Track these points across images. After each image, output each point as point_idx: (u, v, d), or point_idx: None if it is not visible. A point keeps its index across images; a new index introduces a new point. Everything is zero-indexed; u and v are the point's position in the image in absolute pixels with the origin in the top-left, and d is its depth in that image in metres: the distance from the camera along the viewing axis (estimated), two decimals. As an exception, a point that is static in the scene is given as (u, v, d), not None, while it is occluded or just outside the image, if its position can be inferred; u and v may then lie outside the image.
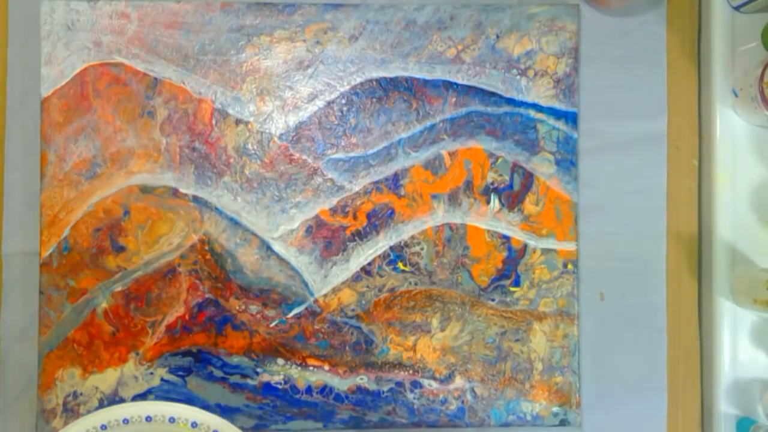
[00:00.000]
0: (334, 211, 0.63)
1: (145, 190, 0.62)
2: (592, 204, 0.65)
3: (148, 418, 0.51)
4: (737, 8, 0.63)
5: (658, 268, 0.65)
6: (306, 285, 0.63)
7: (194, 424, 0.51)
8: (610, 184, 0.65)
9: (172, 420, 0.51)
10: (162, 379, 0.62)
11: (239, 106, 0.63)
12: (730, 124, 0.64)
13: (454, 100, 0.64)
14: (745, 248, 0.63)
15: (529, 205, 0.64)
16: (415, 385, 0.63)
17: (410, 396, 0.63)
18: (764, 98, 0.58)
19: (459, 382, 0.63)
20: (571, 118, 0.64)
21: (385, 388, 0.63)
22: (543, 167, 0.64)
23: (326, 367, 0.63)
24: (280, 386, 0.62)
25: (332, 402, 0.63)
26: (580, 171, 0.65)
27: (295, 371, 0.63)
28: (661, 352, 0.65)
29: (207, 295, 0.62)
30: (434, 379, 0.63)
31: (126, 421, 0.51)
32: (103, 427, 0.51)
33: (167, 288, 0.62)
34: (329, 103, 0.63)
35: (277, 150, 0.63)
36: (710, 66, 0.64)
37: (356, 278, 0.63)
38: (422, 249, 0.63)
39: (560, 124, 0.64)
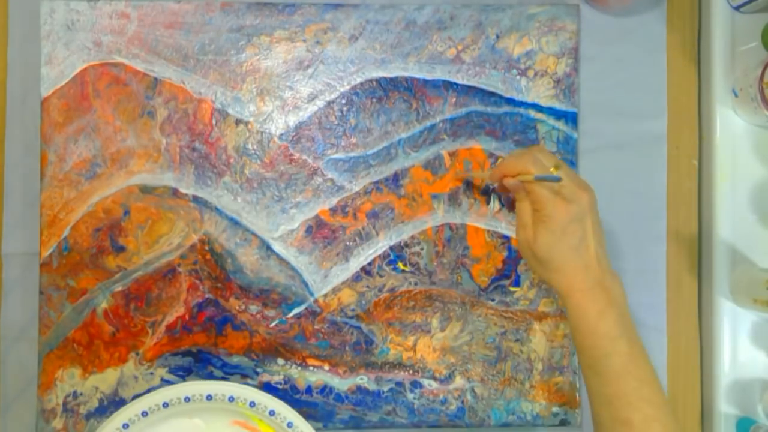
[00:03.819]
0: (334, 211, 0.63)
1: (145, 190, 0.62)
2: (592, 204, 0.64)
3: (209, 397, 0.54)
4: (737, 8, 0.63)
5: (658, 268, 0.65)
6: (306, 285, 0.63)
7: (252, 404, 0.55)
8: (610, 184, 0.65)
9: (231, 399, 0.54)
10: (162, 379, 0.62)
11: (239, 106, 0.63)
12: (730, 124, 0.64)
13: (454, 100, 0.64)
14: (745, 248, 0.63)
15: (529, 205, 0.64)
16: (415, 385, 0.63)
17: (410, 396, 0.63)
18: (764, 98, 0.58)
19: (459, 382, 0.63)
20: (571, 118, 0.64)
21: (385, 388, 0.63)
22: (543, 167, 0.64)
23: (326, 367, 0.63)
24: (280, 386, 0.62)
25: (332, 402, 0.63)
26: (580, 171, 0.65)
27: (295, 371, 0.63)
28: (661, 352, 0.65)
29: (207, 295, 0.62)
30: (434, 379, 0.63)
31: (187, 399, 0.54)
32: (165, 405, 0.54)
33: (167, 288, 0.62)
34: (329, 103, 0.63)
35: (277, 150, 0.63)
36: (710, 66, 0.64)
37: (356, 278, 0.63)
38: (422, 249, 0.63)
39: (560, 124, 0.64)
